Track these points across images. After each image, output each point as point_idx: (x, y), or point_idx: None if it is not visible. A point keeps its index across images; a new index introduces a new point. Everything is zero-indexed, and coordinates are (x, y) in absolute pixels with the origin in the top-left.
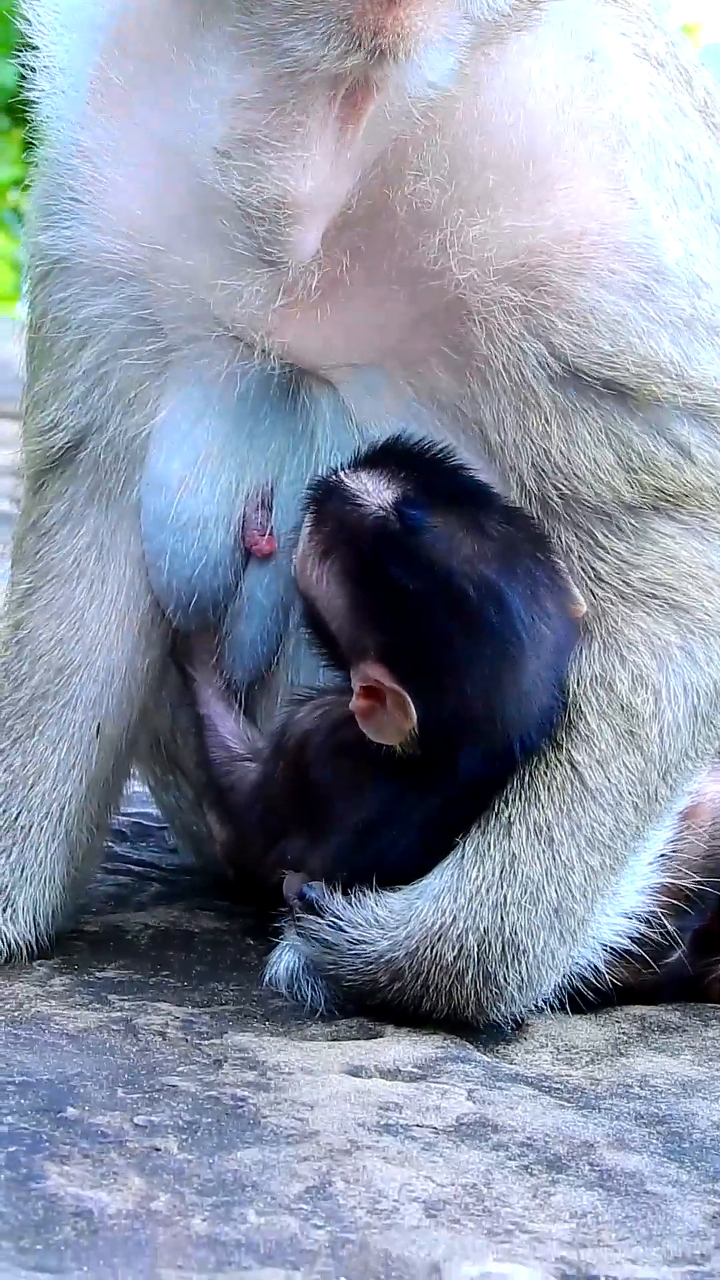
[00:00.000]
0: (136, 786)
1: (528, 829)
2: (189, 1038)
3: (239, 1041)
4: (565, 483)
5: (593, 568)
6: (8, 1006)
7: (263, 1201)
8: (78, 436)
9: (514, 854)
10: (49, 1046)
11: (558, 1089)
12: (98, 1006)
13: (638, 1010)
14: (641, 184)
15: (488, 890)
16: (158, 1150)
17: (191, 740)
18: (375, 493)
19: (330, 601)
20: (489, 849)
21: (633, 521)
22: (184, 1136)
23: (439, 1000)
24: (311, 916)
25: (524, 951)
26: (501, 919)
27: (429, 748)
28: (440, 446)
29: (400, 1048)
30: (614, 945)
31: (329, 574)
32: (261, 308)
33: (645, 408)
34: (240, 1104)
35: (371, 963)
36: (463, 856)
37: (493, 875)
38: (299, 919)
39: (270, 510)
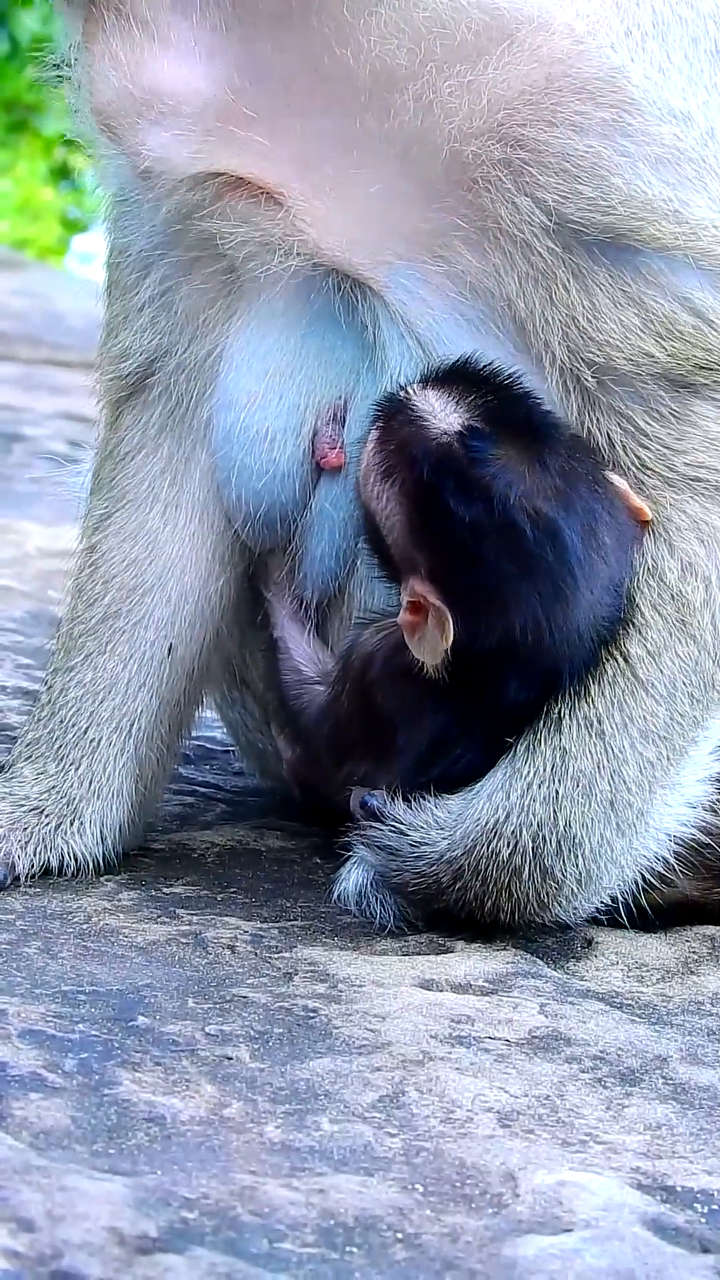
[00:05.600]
0: (199, 712)
1: (578, 723)
2: (258, 951)
3: (309, 955)
4: (599, 351)
5: (637, 456)
6: (76, 919)
7: (336, 1110)
8: (148, 362)
9: (564, 749)
10: (118, 958)
11: (629, 1005)
12: (166, 920)
13: (708, 930)
14: (605, 13)
15: (540, 785)
16: (229, 1059)
17: (260, 659)
18: (442, 416)
19: (389, 517)
20: (540, 745)
21: (673, 406)
22: (256, 1046)
23: (501, 898)
24: (374, 823)
25: (579, 844)
26: (555, 813)
27: (469, 671)
28: (509, 372)
29: (471, 962)
30: (679, 835)
31: (390, 491)
32: (200, 212)
33: (650, 259)
34: (312, 1015)
35: (433, 864)
36: (514, 755)
37: (544, 771)
38: (362, 828)
39: (343, 424)
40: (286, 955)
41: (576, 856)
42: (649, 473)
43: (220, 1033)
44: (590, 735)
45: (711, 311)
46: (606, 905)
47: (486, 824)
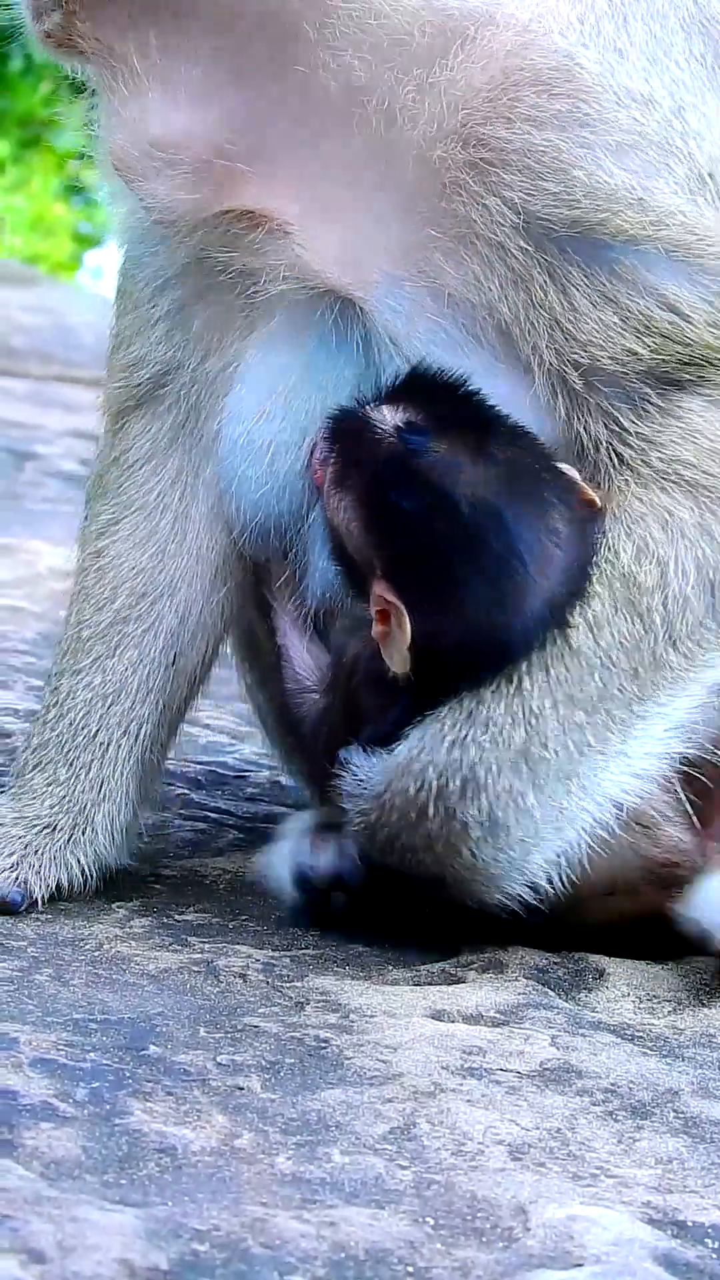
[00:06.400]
0: (211, 736)
1: (498, 677)
2: (270, 980)
3: (320, 984)
4: (583, 352)
5: (617, 453)
6: (88, 947)
7: (347, 1141)
8: (161, 374)
9: (480, 697)
10: (130, 986)
11: (640, 1037)
12: (178, 948)
13: None
14: (554, 1)
15: (451, 727)
16: (241, 1089)
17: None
18: (383, 421)
19: (347, 525)
20: (461, 697)
21: (659, 403)
22: (267, 1076)
23: (415, 838)
24: (342, 773)
25: (483, 788)
26: (461, 756)
27: (434, 673)
28: (457, 375)
29: (482, 993)
30: (627, 804)
31: (345, 499)
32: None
33: (621, 253)
34: (323, 1045)
35: (368, 801)
36: (442, 706)
37: (458, 715)
38: (336, 781)
39: None
40: (298, 984)
41: (480, 799)
42: (625, 467)
43: (231, 1062)
44: (508, 687)
45: (686, 305)
46: (551, 867)
47: (402, 761)
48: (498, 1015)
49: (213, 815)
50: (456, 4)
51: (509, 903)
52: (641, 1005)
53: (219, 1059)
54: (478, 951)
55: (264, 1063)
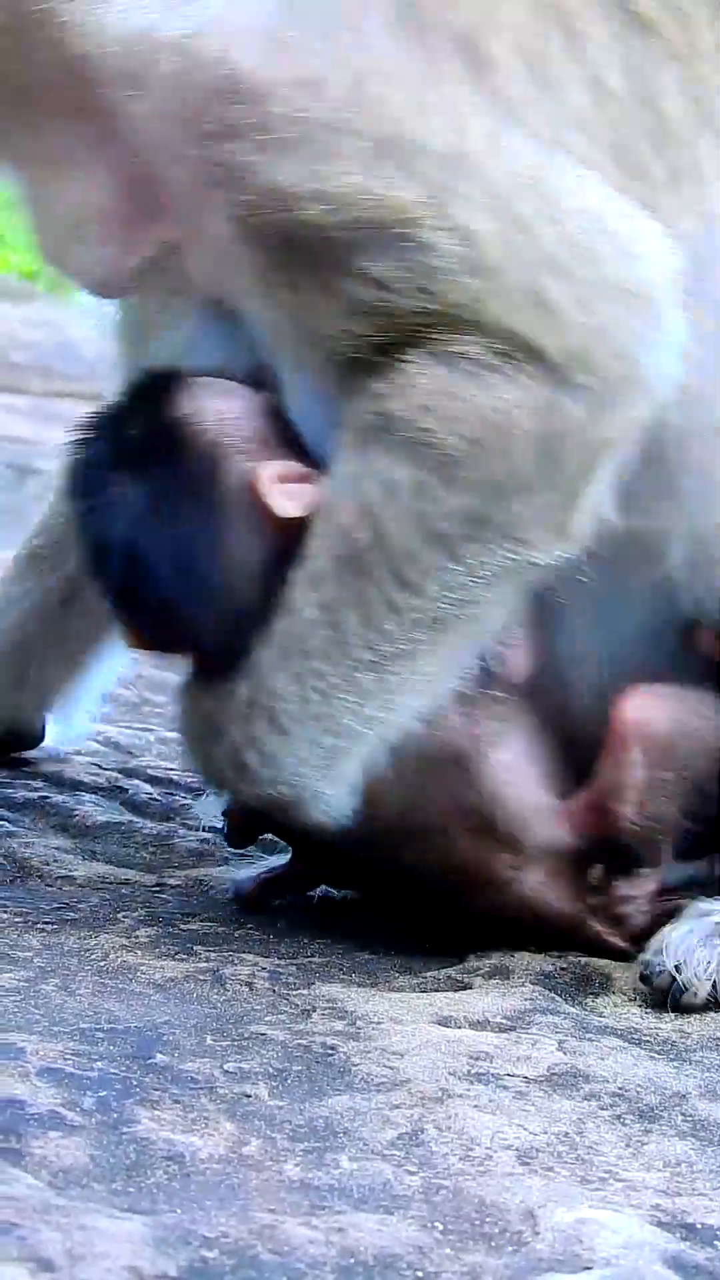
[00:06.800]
0: None
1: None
2: (276, 988)
3: (327, 992)
4: (322, 343)
5: (352, 413)
6: (94, 956)
7: (355, 1148)
8: None
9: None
10: (136, 995)
11: (648, 1041)
12: (184, 957)
13: None
14: (215, 8)
15: (195, 675)
16: (248, 1096)
17: None
18: (84, 438)
19: None
20: None
21: (382, 358)
22: (274, 1083)
23: (210, 767)
24: None
25: (223, 735)
26: (200, 705)
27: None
28: (170, 378)
29: (489, 999)
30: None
31: None
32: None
33: (319, 244)
34: (330, 1052)
35: None
36: None
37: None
38: None
39: None
40: (304, 992)
41: (222, 744)
42: (352, 427)
43: (239, 1070)
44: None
45: (385, 277)
46: (343, 798)
47: (179, 695)
48: (504, 1021)
49: (218, 825)
50: (132, 32)
51: (319, 827)
52: (648, 1009)
53: (226, 1067)
54: (484, 958)
55: (271, 1070)
